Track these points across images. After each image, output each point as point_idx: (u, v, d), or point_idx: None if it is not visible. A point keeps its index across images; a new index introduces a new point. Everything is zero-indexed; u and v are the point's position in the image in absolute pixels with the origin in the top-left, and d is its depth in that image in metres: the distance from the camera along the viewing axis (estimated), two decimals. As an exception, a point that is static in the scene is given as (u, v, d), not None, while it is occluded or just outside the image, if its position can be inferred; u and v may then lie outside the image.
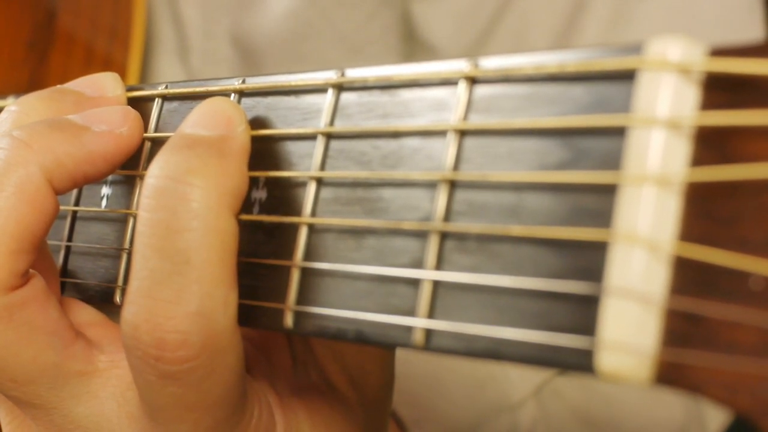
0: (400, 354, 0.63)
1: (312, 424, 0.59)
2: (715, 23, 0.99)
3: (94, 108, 0.58)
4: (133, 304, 0.50)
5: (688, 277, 0.38)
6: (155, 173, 0.50)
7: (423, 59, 1.00)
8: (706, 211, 0.38)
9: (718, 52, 0.39)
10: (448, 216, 0.45)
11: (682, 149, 0.39)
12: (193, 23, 1.04)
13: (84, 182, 0.56)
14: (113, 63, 0.97)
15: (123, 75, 0.95)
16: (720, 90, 0.39)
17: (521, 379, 0.94)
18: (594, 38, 0.98)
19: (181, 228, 0.49)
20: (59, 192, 0.55)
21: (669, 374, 0.38)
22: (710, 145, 0.39)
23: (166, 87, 0.60)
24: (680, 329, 0.38)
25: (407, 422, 0.93)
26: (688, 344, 0.38)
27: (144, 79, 1.01)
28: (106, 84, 0.60)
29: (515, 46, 0.99)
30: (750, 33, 0.99)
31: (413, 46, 1.02)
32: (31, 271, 0.55)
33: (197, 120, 0.52)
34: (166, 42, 1.04)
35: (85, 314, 0.59)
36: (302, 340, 0.61)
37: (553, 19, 0.99)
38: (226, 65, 1.02)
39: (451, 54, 1.00)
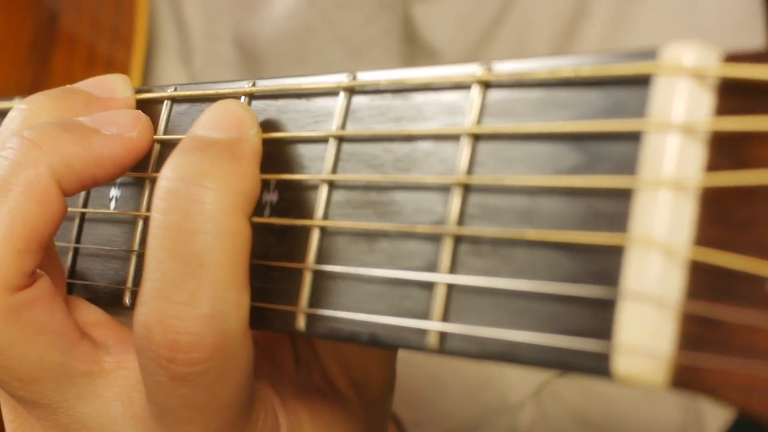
0: (400, 354, 0.63)
1: (314, 426, 0.59)
2: (715, 26, 0.99)
3: (103, 109, 0.58)
4: (146, 305, 0.50)
5: (703, 281, 0.39)
6: (168, 175, 0.50)
7: (423, 61, 1.00)
8: (721, 215, 0.39)
9: (733, 58, 0.39)
10: (461, 219, 0.45)
11: (697, 154, 0.39)
12: (196, 24, 1.04)
13: (92, 184, 0.56)
14: (115, 64, 0.97)
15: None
16: (734, 95, 0.39)
17: (520, 381, 0.94)
18: (595, 41, 0.98)
19: (195, 230, 0.49)
20: (67, 193, 0.55)
21: (685, 378, 0.38)
22: (725, 150, 0.39)
23: (175, 89, 0.60)
24: (696, 333, 0.38)
25: (406, 423, 0.93)
26: (704, 348, 0.38)
27: (146, 80, 1.01)
28: (115, 85, 0.60)
29: (516, 48, 0.99)
30: (750, 37, 0.99)
31: (414, 48, 1.02)
32: (38, 271, 0.55)
33: (209, 122, 0.52)
34: (169, 43, 1.04)
35: (91, 314, 0.59)
36: (305, 341, 0.61)
37: (553, 21, 0.99)
38: (228, 66, 1.02)
39: (452, 56, 1.00)
